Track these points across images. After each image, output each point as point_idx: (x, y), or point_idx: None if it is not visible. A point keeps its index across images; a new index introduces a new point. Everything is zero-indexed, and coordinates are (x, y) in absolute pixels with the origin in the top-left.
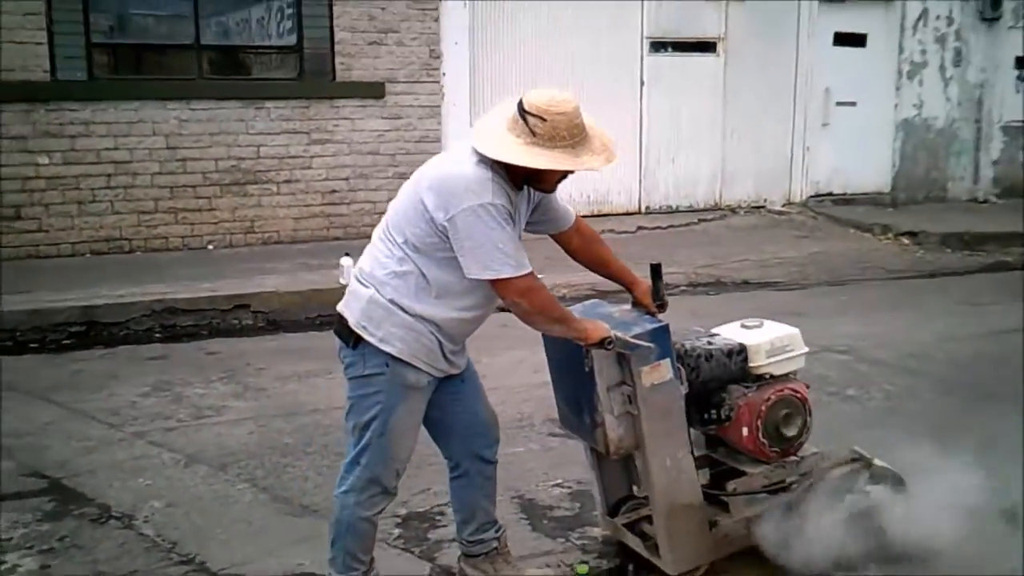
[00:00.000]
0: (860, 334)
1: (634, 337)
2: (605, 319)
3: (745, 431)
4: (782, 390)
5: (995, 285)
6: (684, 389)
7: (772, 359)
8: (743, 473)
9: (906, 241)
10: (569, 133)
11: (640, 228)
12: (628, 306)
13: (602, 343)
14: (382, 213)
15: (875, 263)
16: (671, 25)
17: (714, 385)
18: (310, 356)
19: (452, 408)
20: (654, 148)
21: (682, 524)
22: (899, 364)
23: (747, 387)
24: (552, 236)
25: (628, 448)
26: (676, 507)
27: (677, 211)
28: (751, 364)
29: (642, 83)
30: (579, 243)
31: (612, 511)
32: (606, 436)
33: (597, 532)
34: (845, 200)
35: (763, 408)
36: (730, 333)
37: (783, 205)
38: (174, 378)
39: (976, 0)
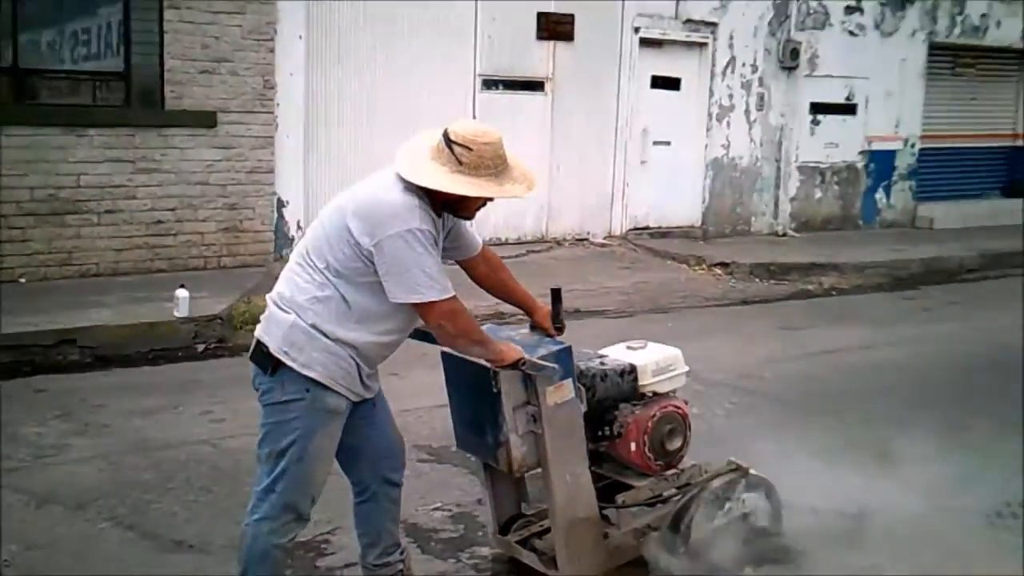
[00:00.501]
0: (692, 357)
1: (540, 359)
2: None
3: (633, 446)
4: (666, 407)
5: (803, 310)
6: (583, 408)
7: (657, 378)
8: (629, 487)
9: (719, 271)
10: (493, 163)
11: None
12: (526, 329)
13: (516, 364)
14: (210, 244)
15: (693, 292)
16: (502, 64)
17: (608, 403)
18: (151, 391)
19: (365, 432)
20: None
21: (580, 537)
22: (733, 384)
23: (635, 405)
24: (459, 262)
25: (531, 466)
26: (575, 521)
27: (506, 243)
28: (640, 383)
29: (474, 119)
30: (485, 270)
31: (503, 530)
32: (510, 454)
33: (487, 551)
34: (661, 233)
35: (649, 424)
36: (618, 354)
37: (605, 238)
38: (3, 417)
39: (776, 50)
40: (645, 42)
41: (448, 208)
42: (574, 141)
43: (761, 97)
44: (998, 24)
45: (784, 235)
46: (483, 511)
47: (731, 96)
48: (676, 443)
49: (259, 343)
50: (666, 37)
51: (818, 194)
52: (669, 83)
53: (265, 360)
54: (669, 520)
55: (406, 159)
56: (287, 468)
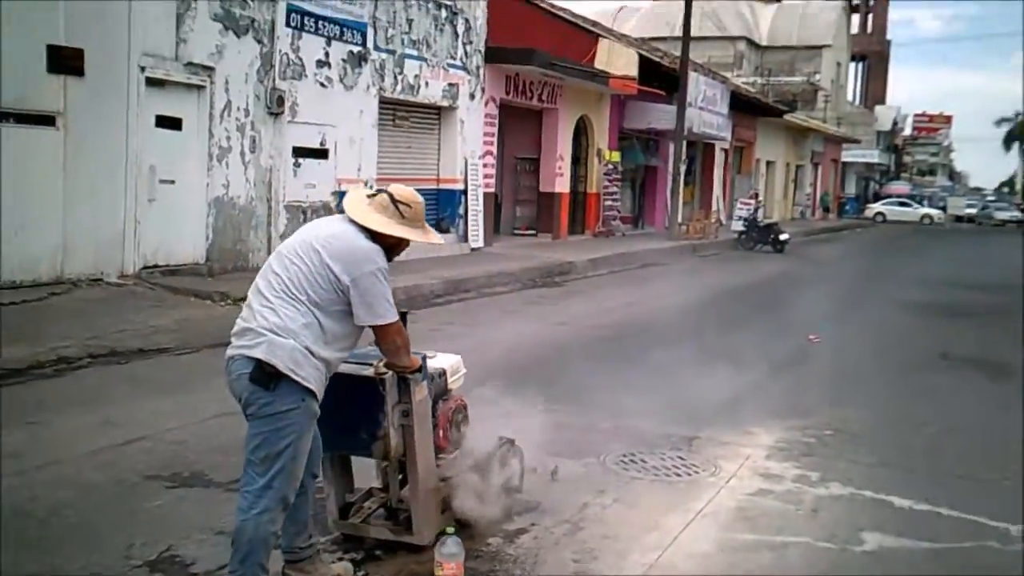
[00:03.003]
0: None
1: None
2: (376, 356)
3: (441, 433)
4: (458, 400)
5: None
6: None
7: (453, 378)
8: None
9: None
10: (422, 217)
11: None
12: (373, 347)
13: (418, 369)
14: None
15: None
16: (9, 98)
17: (433, 400)
18: None
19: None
20: None
21: (431, 504)
22: None
23: (443, 400)
24: None
25: (400, 452)
26: (429, 492)
27: (22, 286)
28: (447, 382)
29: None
30: None
31: (342, 514)
32: (388, 444)
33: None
34: (171, 271)
35: (450, 414)
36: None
37: (119, 277)
38: None
39: (264, 97)
40: (150, 81)
41: (386, 251)
42: (86, 178)
43: (254, 140)
44: (426, 84)
45: None
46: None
47: (228, 138)
48: (464, 427)
49: (262, 363)
50: (169, 78)
51: None
52: (173, 123)
53: (267, 378)
54: (465, 484)
55: (366, 215)
56: (284, 466)
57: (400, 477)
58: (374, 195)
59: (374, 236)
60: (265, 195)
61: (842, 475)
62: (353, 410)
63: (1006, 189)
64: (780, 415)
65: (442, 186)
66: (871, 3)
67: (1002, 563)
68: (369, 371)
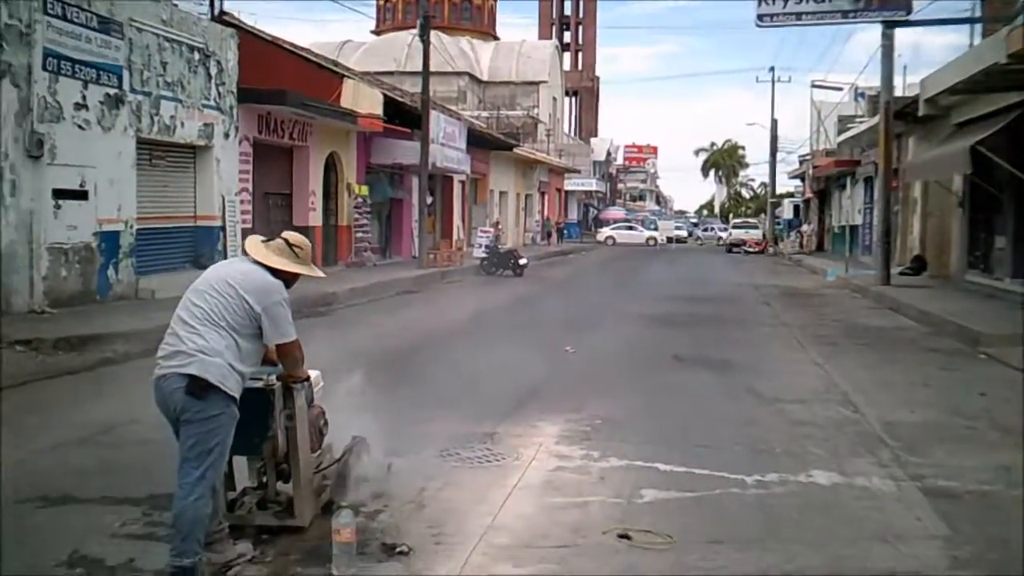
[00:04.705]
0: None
1: None
2: (262, 374)
3: (311, 434)
4: (320, 407)
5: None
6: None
7: (317, 387)
8: None
9: (20, 348)
10: (310, 257)
11: None
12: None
13: (307, 379)
14: None
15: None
16: None
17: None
18: None
19: None
20: None
21: (309, 491)
22: None
23: (311, 407)
24: None
25: (284, 450)
26: (307, 481)
27: None
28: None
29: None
30: None
31: (230, 508)
32: (276, 443)
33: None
34: None
35: (316, 418)
36: None
37: None
38: None
39: (23, 140)
40: None
41: (284, 284)
42: None
43: (13, 183)
44: (182, 125)
45: (43, 312)
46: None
47: None
48: (326, 431)
49: (195, 378)
50: None
51: (64, 273)
52: None
53: (201, 390)
54: (335, 476)
55: (268, 257)
56: (214, 461)
57: (276, 474)
58: (268, 241)
59: (275, 273)
60: (26, 238)
61: (617, 452)
62: (247, 417)
63: (705, 212)
64: (558, 411)
65: (199, 223)
66: (580, 42)
67: (743, 501)
68: (260, 384)
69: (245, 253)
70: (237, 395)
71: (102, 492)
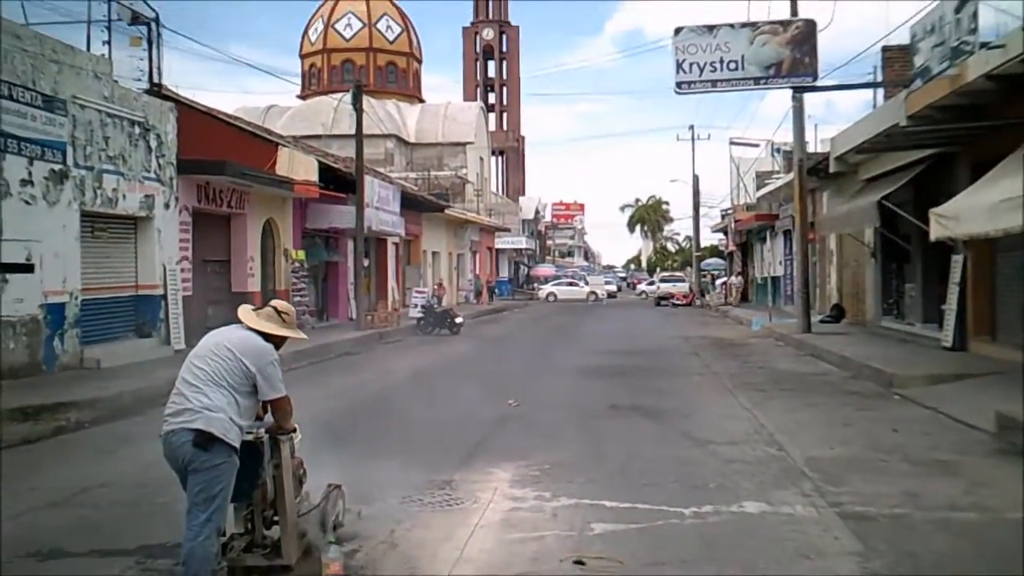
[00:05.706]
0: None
1: None
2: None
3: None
4: (299, 458)
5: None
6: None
7: (296, 438)
8: None
9: None
10: (295, 321)
11: None
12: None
13: (294, 430)
14: None
15: None
16: None
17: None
18: None
19: None
20: None
21: (294, 534)
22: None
23: (292, 457)
24: None
25: (272, 496)
26: (292, 523)
27: None
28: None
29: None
30: None
31: (223, 551)
32: (265, 491)
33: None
34: None
35: (297, 468)
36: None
37: None
38: None
39: None
40: None
41: (275, 346)
42: None
43: None
44: (124, 197)
45: None
46: None
47: None
48: (304, 479)
49: (201, 432)
50: None
51: (12, 345)
52: None
53: (206, 442)
54: (318, 519)
55: (260, 323)
56: (219, 504)
57: (262, 520)
58: (259, 309)
59: (266, 337)
60: None
61: (566, 492)
62: (240, 467)
63: (633, 267)
64: (509, 458)
65: (141, 292)
66: (505, 103)
67: (682, 529)
68: (251, 437)
69: (239, 321)
70: (237, 445)
71: (91, 546)
